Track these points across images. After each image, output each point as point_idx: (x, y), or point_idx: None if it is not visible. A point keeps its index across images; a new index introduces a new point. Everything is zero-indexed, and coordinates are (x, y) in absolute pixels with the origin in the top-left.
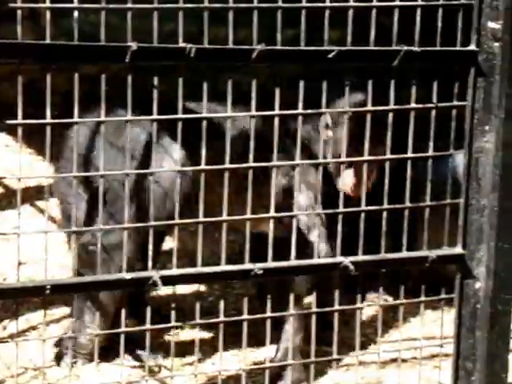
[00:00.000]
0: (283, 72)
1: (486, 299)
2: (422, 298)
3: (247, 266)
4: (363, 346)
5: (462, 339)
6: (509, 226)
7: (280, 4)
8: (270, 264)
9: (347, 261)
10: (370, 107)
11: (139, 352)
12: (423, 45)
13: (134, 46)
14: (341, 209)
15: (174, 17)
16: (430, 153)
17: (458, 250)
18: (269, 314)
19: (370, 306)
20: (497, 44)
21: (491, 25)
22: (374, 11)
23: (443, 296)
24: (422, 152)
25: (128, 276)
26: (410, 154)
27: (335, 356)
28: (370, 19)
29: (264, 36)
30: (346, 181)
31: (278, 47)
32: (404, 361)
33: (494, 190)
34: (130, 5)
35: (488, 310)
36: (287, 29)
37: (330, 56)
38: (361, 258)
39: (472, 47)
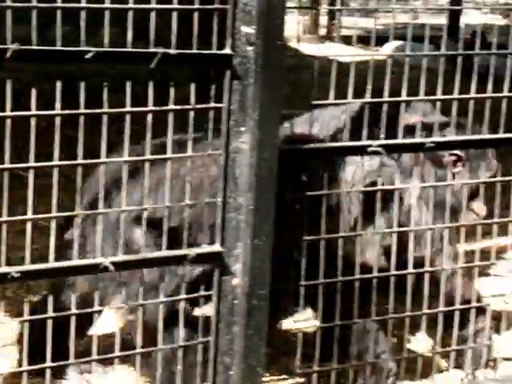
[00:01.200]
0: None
1: (242, 295)
2: (183, 296)
3: (3, 269)
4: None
5: (220, 335)
6: (264, 224)
7: (34, 4)
8: (29, 267)
9: (107, 261)
10: (128, 108)
11: None
12: (188, 48)
13: None
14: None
15: None
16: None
17: (217, 247)
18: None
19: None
20: (251, 48)
21: (245, 29)
22: (131, 12)
23: (202, 293)
24: None
25: None
26: (169, 155)
27: (49, 364)
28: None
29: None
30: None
31: (34, 47)
32: None
33: (250, 189)
34: None
35: (245, 305)
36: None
37: (87, 57)
38: (120, 257)
39: (227, 51)
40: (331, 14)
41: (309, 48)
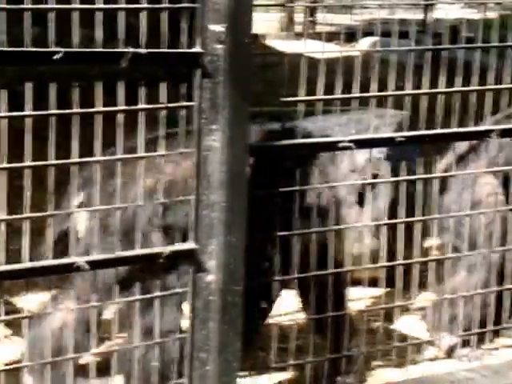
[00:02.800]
0: None
1: (217, 291)
2: (158, 293)
3: None
4: None
5: (195, 331)
6: (236, 221)
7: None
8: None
9: (82, 260)
10: (99, 108)
11: None
12: (154, 46)
13: None
14: None
15: None
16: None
17: (191, 244)
18: None
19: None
20: (220, 46)
21: (215, 28)
22: (100, 13)
23: (178, 290)
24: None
25: None
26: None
27: None
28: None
29: None
30: None
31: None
32: None
33: (222, 187)
34: None
35: (219, 301)
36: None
37: (55, 57)
38: (95, 257)
39: (197, 49)
40: (308, 11)
41: (285, 45)
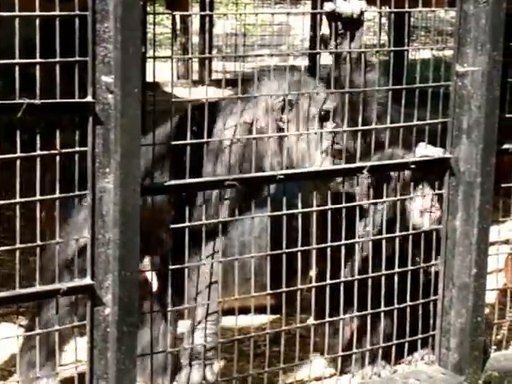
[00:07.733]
0: None
1: (113, 323)
2: (57, 327)
3: None
4: None
5: (94, 361)
6: (129, 257)
7: None
8: None
9: None
10: None
11: None
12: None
13: None
14: None
15: None
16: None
17: (88, 280)
18: None
19: None
20: (110, 96)
21: (105, 78)
22: None
23: (76, 323)
24: None
25: None
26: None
27: None
28: None
29: None
30: None
31: None
32: None
33: (116, 225)
34: None
35: (116, 332)
36: None
37: None
38: None
39: (89, 99)
40: (203, 60)
41: (182, 92)
